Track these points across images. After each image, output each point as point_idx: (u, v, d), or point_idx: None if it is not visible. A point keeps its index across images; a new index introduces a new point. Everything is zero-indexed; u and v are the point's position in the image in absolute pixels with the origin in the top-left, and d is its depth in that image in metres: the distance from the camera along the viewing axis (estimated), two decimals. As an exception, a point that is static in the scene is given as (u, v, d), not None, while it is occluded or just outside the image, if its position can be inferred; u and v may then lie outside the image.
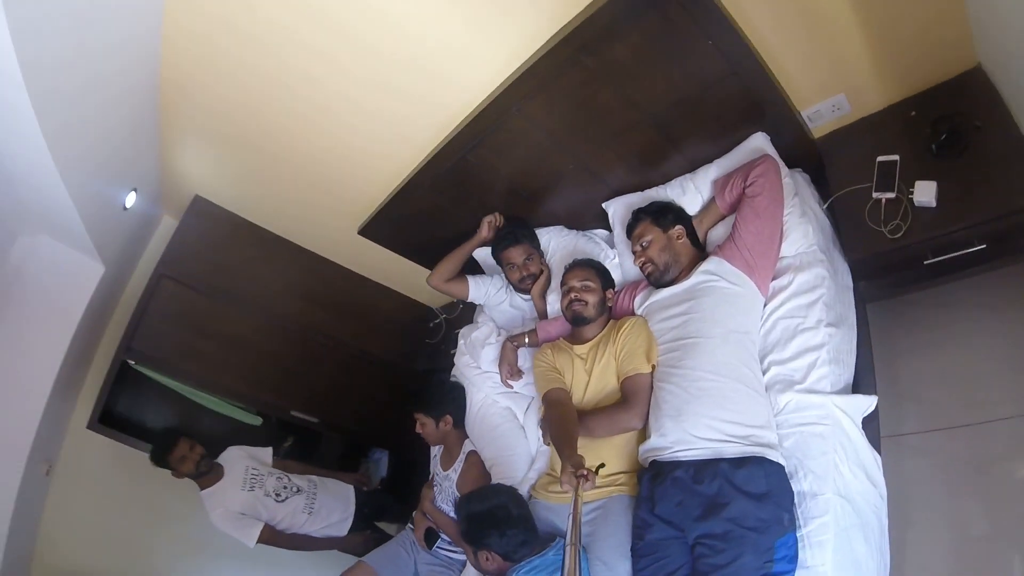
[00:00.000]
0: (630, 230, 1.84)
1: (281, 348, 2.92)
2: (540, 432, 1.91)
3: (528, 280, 2.25)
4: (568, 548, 1.13)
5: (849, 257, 1.56)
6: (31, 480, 2.12)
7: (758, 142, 1.71)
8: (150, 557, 2.63)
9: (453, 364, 2.96)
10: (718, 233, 1.79)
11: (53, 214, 1.87)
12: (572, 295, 1.88)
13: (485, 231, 2.32)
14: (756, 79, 1.54)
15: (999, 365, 1.49)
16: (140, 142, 2.19)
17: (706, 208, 1.83)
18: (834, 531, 1.25)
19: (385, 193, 2.47)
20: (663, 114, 1.73)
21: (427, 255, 2.87)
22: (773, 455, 1.35)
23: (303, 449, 3.01)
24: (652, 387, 1.61)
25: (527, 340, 2.09)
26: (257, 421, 2.82)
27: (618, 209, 2.08)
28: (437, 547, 2.16)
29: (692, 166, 1.90)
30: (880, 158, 1.53)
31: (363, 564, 2.19)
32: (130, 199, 2.31)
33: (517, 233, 2.25)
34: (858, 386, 1.49)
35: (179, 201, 2.75)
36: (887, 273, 1.54)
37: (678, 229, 1.74)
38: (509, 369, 2.12)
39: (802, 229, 1.61)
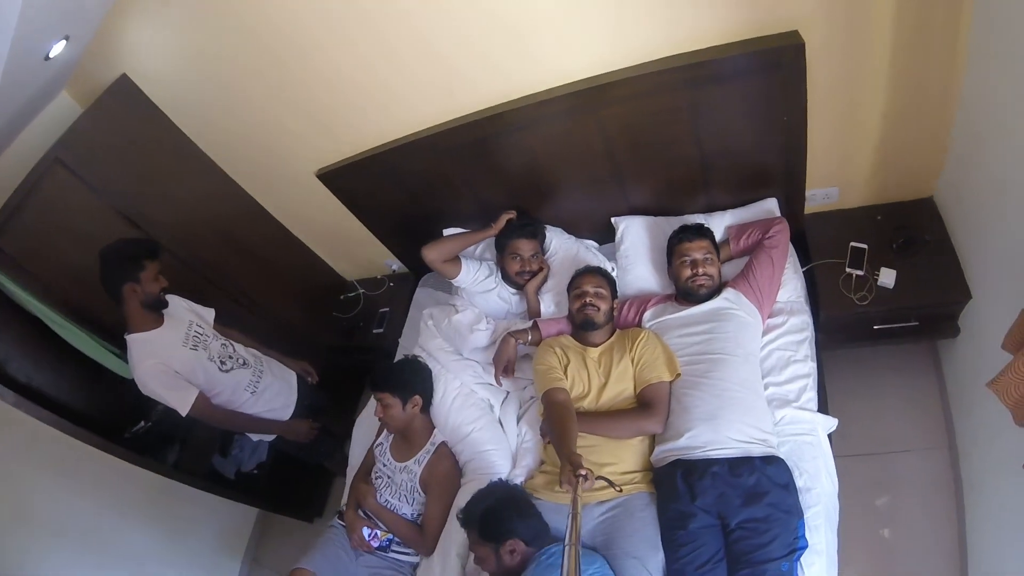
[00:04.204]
0: (683, 239, 1.96)
1: (174, 281, 2.38)
2: (541, 432, 1.94)
3: (526, 275, 2.29)
4: (567, 548, 1.13)
5: (824, 313, 2.00)
6: None
7: (770, 205, 2.09)
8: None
9: (366, 343, 2.88)
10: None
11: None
12: (586, 299, 1.99)
13: (501, 224, 2.29)
14: (798, 158, 1.91)
15: (899, 412, 2.10)
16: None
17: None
18: (824, 517, 1.59)
19: (377, 142, 2.29)
20: (713, 158, 1.99)
21: (382, 221, 2.71)
22: (782, 455, 1.66)
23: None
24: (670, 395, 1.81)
25: (530, 337, 2.11)
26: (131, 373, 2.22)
27: (630, 226, 2.26)
28: (389, 549, 1.98)
29: (707, 208, 2.19)
30: (853, 243, 2.02)
31: (303, 571, 1.91)
32: (56, 48, 1.71)
33: (536, 228, 2.28)
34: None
35: (98, 76, 2.10)
36: (846, 329, 2.03)
37: (719, 264, 1.99)
38: (508, 365, 2.10)
39: (794, 283, 2.01)
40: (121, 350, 2.14)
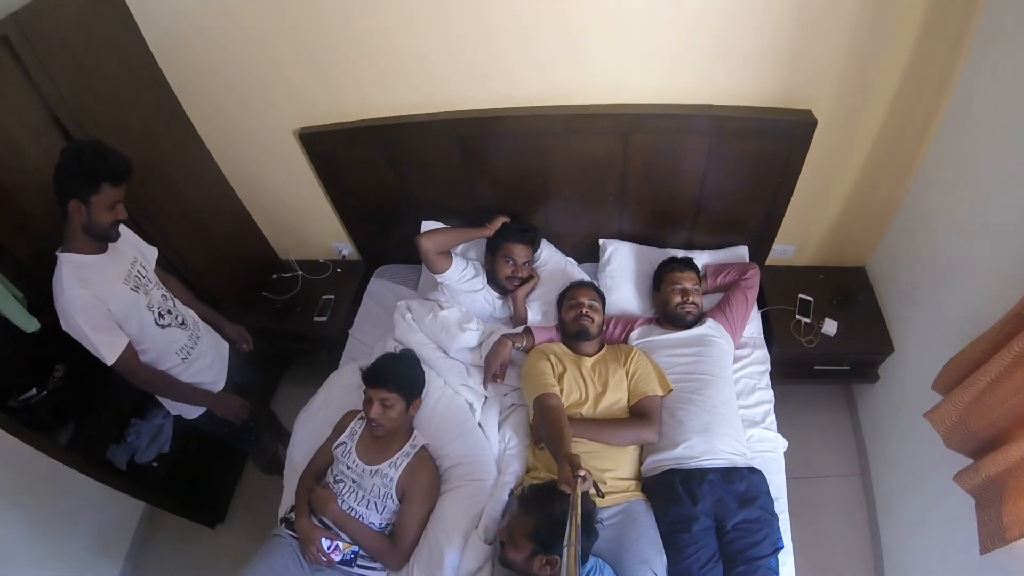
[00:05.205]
0: (672, 269, 2.17)
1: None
2: (535, 438, 1.94)
3: (516, 280, 2.30)
4: (567, 548, 1.13)
5: (777, 350, 2.29)
6: None
7: (742, 252, 2.38)
8: None
9: (305, 331, 2.68)
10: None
11: None
12: (582, 310, 2.08)
13: (497, 226, 2.31)
14: (776, 215, 2.22)
15: (820, 443, 2.46)
16: None
17: None
18: (788, 521, 1.80)
19: (387, 112, 2.18)
20: (708, 200, 2.21)
21: (353, 199, 2.58)
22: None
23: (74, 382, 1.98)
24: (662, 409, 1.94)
25: (524, 343, 2.12)
26: (33, 326, 1.77)
27: (618, 249, 2.41)
28: (353, 563, 1.76)
29: (687, 245, 2.41)
30: (800, 295, 2.38)
31: None
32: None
33: (535, 235, 2.31)
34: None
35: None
36: (791, 366, 2.35)
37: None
38: (502, 369, 2.07)
39: (756, 322, 2.30)
40: (26, 293, 1.72)
